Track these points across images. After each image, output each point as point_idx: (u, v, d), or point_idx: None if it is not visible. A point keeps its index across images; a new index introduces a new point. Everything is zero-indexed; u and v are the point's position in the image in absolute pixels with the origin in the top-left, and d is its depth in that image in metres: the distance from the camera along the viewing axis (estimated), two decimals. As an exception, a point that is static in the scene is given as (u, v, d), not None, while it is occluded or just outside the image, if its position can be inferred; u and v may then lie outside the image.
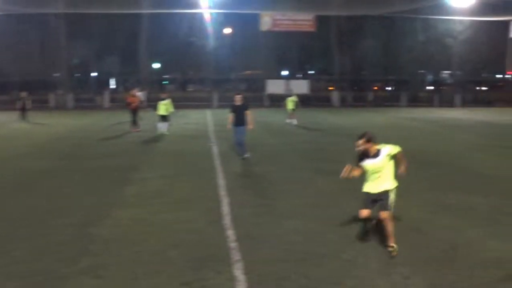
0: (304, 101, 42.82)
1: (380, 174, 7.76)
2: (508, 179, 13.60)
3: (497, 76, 61.05)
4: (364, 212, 7.90)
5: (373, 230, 8.42)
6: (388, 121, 30.63)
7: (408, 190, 11.92)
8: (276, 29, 45.71)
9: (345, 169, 7.87)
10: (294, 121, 27.67)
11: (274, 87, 43.43)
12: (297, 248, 7.97)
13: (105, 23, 46.77)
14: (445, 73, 60.42)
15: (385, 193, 7.76)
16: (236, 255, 7.61)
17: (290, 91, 30.12)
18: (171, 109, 23.92)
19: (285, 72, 60.10)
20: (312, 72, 62.50)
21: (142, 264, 7.33)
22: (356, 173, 7.94)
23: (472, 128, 27.72)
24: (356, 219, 9.03)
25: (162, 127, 23.58)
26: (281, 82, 44.58)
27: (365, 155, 7.81)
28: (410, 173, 13.78)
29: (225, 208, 10.20)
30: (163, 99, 23.73)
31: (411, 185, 12.47)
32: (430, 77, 59.27)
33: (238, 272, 7.01)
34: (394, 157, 7.77)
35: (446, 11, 46.00)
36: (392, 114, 35.76)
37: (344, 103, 45.33)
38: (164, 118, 23.57)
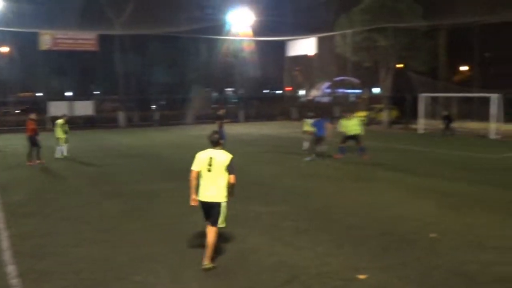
0: (89, 123, 41.77)
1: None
2: (286, 189, 14.56)
3: (277, 92, 65.02)
4: None
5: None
6: (176, 139, 31.02)
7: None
8: (57, 48, 43.96)
9: None
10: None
11: (57, 109, 41.49)
12: (85, 276, 7.74)
13: None
14: (229, 90, 62.99)
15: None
16: (17, 292, 7.13)
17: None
18: None
19: (68, 93, 57.99)
20: (97, 92, 61.09)
21: None
22: None
23: (255, 141, 29.23)
24: (143, 240, 9.05)
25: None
26: (64, 104, 42.76)
27: None
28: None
29: (4, 243, 9.49)
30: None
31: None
32: (214, 95, 61.31)
33: (20, 309, 6.58)
34: None
35: (227, 32, 48.13)
36: (178, 132, 36.30)
37: (130, 123, 44.92)
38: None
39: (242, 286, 7.36)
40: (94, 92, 60.52)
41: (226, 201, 7.98)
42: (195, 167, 8.07)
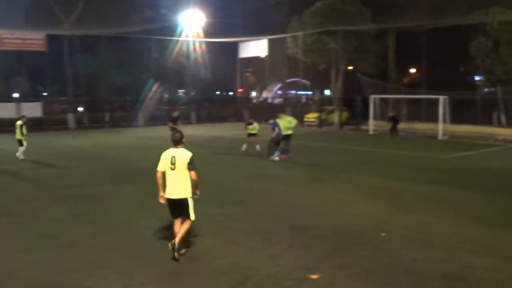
0: (37, 125, 40.72)
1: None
2: (238, 190, 14.57)
3: (229, 93, 64.93)
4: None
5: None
6: (127, 141, 30.64)
7: (145, 205, 12.10)
8: (4, 48, 42.84)
9: None
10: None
11: (4, 110, 40.33)
12: (34, 283, 7.58)
13: None
14: (181, 91, 62.49)
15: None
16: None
17: None
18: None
19: (16, 95, 56.54)
20: (46, 94, 59.77)
21: None
22: None
23: (207, 142, 29.11)
24: (94, 244, 8.90)
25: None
26: (11, 105, 41.59)
27: None
28: (145, 189, 14.00)
29: (-51, 248, 9.19)
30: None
31: (146, 200, 12.69)
32: (166, 96, 60.74)
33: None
34: None
35: (179, 33, 47.86)
36: (130, 134, 35.86)
37: (80, 125, 44.03)
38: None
39: (194, 290, 7.35)
40: (43, 94, 59.11)
41: (191, 196, 8.52)
42: (159, 167, 8.56)
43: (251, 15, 52.19)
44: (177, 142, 8.57)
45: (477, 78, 40.74)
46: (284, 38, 45.28)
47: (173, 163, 8.38)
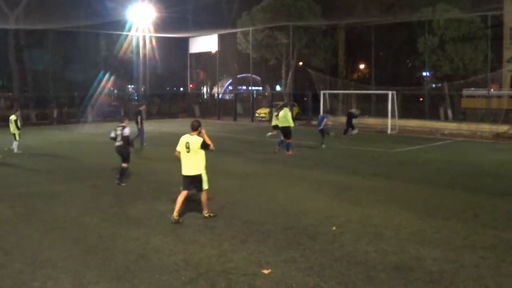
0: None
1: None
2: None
3: (180, 89, 64.38)
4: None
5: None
6: (76, 138, 30.03)
7: (94, 203, 11.91)
8: None
9: None
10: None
11: None
12: (-23, 285, 7.31)
13: None
14: (130, 87, 61.67)
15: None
16: None
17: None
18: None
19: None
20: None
21: None
22: None
23: (159, 139, 28.81)
24: (41, 244, 8.69)
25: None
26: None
27: None
28: (94, 187, 13.78)
29: None
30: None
31: (96, 198, 12.50)
32: (115, 92, 59.87)
33: None
34: None
35: (129, 28, 47.23)
36: (78, 131, 35.17)
37: (27, 122, 42.86)
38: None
39: (146, 287, 7.23)
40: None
41: (204, 172, 10.60)
42: (178, 148, 10.61)
43: (201, 10, 51.95)
44: (194, 129, 10.45)
45: (425, 74, 41.64)
46: (235, 33, 45.24)
47: (187, 147, 10.37)
